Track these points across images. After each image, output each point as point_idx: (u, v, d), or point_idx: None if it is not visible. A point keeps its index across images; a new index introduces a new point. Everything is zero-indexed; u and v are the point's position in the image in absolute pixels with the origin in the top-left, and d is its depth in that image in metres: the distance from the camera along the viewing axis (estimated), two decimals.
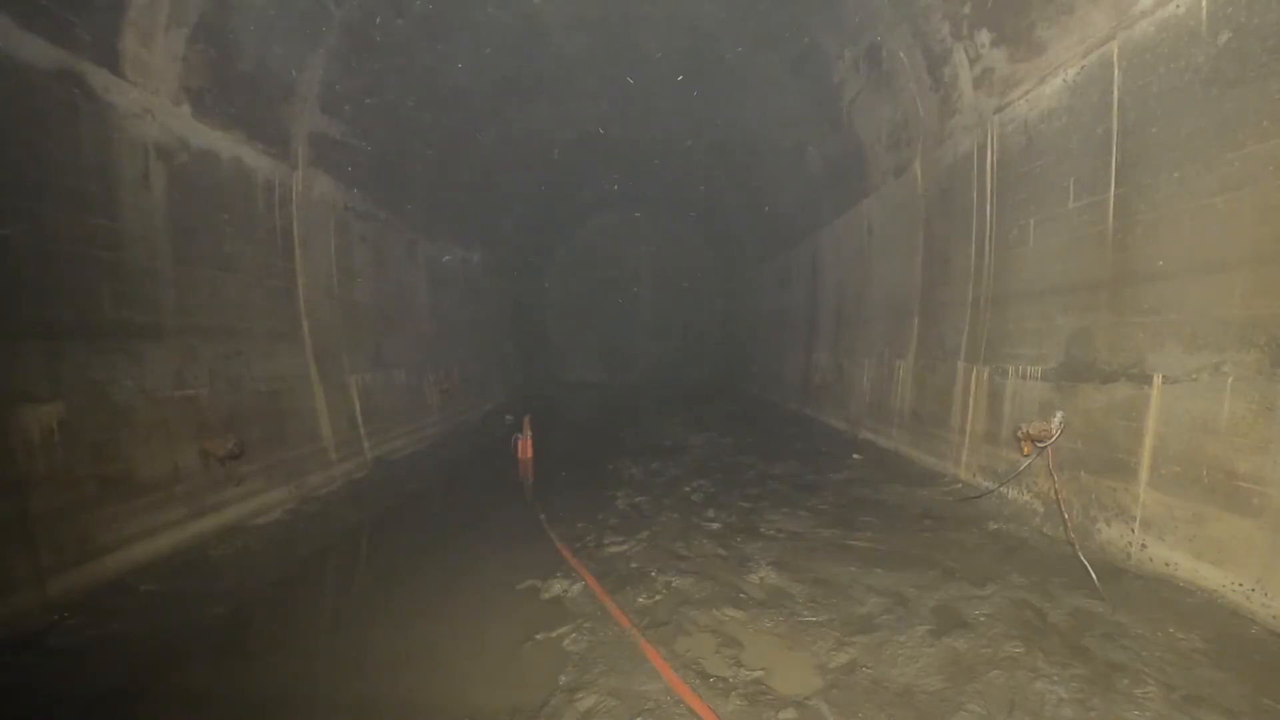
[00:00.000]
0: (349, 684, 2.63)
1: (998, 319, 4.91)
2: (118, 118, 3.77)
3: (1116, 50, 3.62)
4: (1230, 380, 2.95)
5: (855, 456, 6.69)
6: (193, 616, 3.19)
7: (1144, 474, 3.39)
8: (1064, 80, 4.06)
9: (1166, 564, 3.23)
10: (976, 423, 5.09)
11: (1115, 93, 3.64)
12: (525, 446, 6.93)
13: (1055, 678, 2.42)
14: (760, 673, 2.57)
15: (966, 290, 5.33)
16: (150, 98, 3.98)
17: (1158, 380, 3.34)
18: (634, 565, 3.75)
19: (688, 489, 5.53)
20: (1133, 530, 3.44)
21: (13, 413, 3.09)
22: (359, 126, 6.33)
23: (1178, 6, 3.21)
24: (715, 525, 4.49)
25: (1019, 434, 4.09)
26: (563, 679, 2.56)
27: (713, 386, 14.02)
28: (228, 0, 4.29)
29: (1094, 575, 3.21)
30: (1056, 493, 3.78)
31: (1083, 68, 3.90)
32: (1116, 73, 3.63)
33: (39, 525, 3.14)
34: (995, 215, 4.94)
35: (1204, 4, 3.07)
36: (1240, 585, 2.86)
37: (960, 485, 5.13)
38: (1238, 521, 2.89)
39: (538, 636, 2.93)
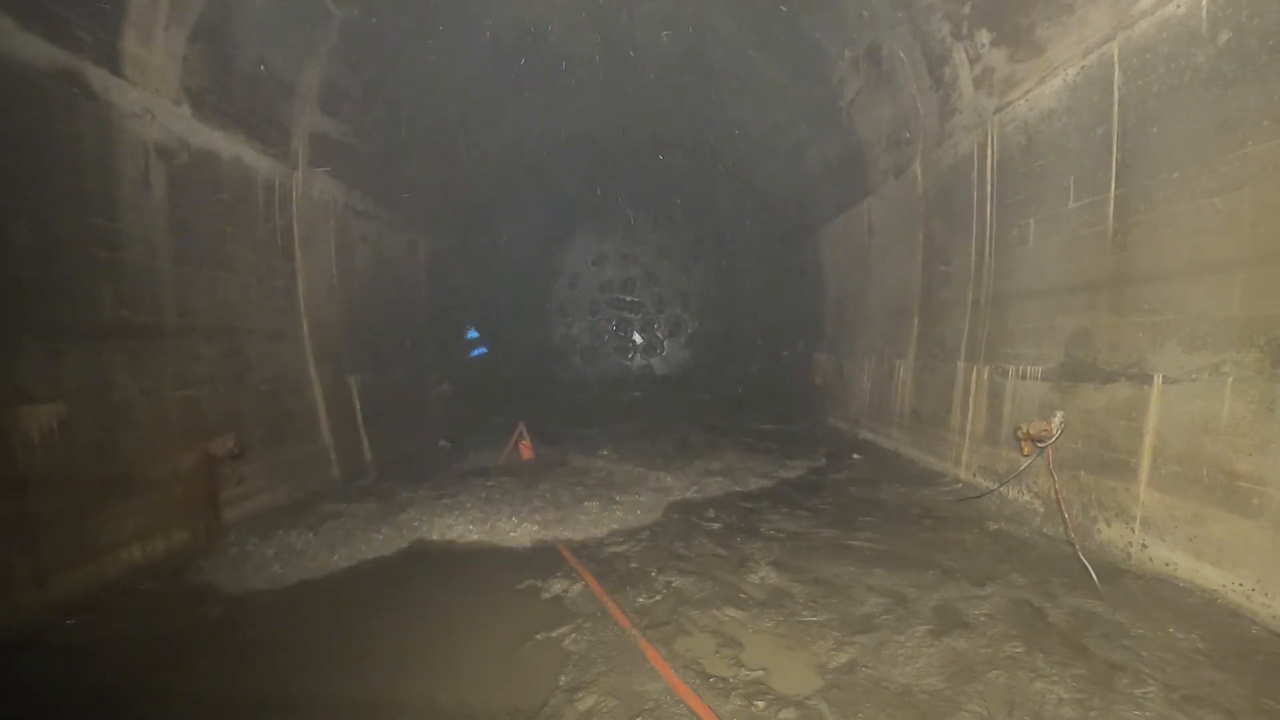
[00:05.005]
0: (348, 684, 2.63)
1: (998, 319, 4.91)
2: (118, 118, 3.77)
3: (1116, 50, 3.61)
4: (1230, 380, 2.95)
5: (855, 456, 6.70)
6: (193, 616, 3.19)
7: (1144, 474, 3.39)
8: (1064, 80, 4.06)
9: (1166, 564, 3.23)
10: (976, 423, 5.09)
11: (1115, 93, 3.64)
12: (524, 449, 6.93)
13: (1055, 678, 2.42)
14: (760, 673, 2.57)
15: (966, 290, 5.33)
16: (150, 98, 3.98)
17: (1158, 380, 3.34)
18: (634, 565, 3.75)
19: None
20: (1133, 530, 3.44)
21: (13, 413, 3.09)
22: (359, 126, 6.33)
23: (1178, 6, 3.21)
24: (715, 525, 4.49)
25: (1019, 434, 4.09)
26: (563, 679, 2.56)
27: (713, 386, 14.02)
28: (227, 0, 4.29)
29: (1094, 575, 3.22)
30: (1056, 493, 3.78)
31: (1083, 68, 3.89)
32: (1117, 73, 3.62)
33: (39, 525, 3.15)
34: (995, 215, 4.94)
35: (1204, 4, 3.07)
36: (1240, 585, 2.86)
37: (960, 485, 5.13)
38: (1238, 521, 2.89)
39: (538, 636, 2.93)
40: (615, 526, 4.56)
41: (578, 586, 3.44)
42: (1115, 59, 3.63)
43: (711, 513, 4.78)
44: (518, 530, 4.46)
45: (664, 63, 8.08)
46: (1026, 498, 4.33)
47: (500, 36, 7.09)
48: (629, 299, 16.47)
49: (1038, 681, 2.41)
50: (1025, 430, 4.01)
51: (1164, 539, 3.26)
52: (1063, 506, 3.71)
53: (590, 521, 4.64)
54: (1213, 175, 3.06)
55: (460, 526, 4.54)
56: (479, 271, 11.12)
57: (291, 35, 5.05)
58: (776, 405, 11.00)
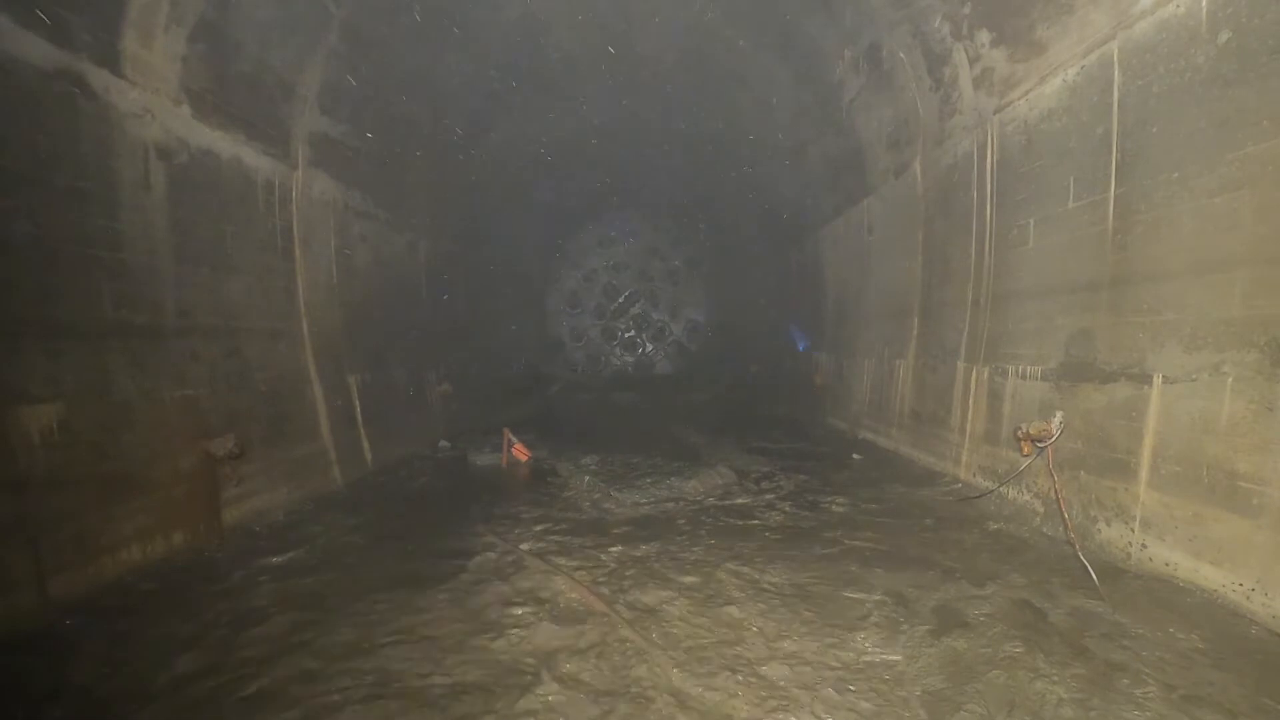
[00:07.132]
0: (349, 683, 2.63)
1: (998, 319, 4.91)
2: (118, 118, 3.77)
3: (1116, 50, 3.62)
4: (1230, 380, 2.95)
5: (855, 457, 6.69)
6: (193, 617, 3.19)
7: (1144, 474, 3.39)
8: (1064, 80, 4.06)
9: (1166, 564, 3.23)
10: (976, 423, 5.09)
11: (1115, 93, 3.64)
12: (519, 452, 6.92)
13: (1055, 677, 2.42)
14: (760, 672, 2.57)
15: (966, 290, 5.33)
16: (150, 98, 3.98)
17: (1158, 380, 3.34)
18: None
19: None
20: (1133, 530, 3.44)
21: (13, 413, 3.09)
22: (359, 126, 6.32)
23: (1178, 6, 3.21)
24: (717, 525, 4.49)
25: (1019, 434, 4.09)
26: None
27: (713, 388, 14.01)
28: (228, 0, 4.29)
29: (1094, 575, 3.22)
30: (1056, 493, 3.78)
31: (1083, 68, 3.89)
32: (1116, 73, 3.63)
33: (39, 525, 3.14)
34: (995, 215, 4.94)
35: (1204, 4, 3.07)
36: (1240, 585, 2.86)
37: (960, 485, 5.13)
38: (1238, 521, 2.89)
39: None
40: None
41: (579, 592, 3.43)
42: (1115, 59, 3.63)
43: (712, 513, 4.77)
44: None
45: (664, 63, 8.08)
46: (1026, 498, 4.33)
47: (501, 36, 7.09)
48: (623, 298, 16.45)
49: (1038, 681, 2.41)
50: (1025, 430, 4.01)
51: (1164, 539, 3.26)
52: (1063, 506, 3.71)
53: None
54: (1213, 175, 3.06)
55: None
56: (480, 270, 11.11)
57: (291, 35, 5.05)
58: (778, 405, 10.99)
